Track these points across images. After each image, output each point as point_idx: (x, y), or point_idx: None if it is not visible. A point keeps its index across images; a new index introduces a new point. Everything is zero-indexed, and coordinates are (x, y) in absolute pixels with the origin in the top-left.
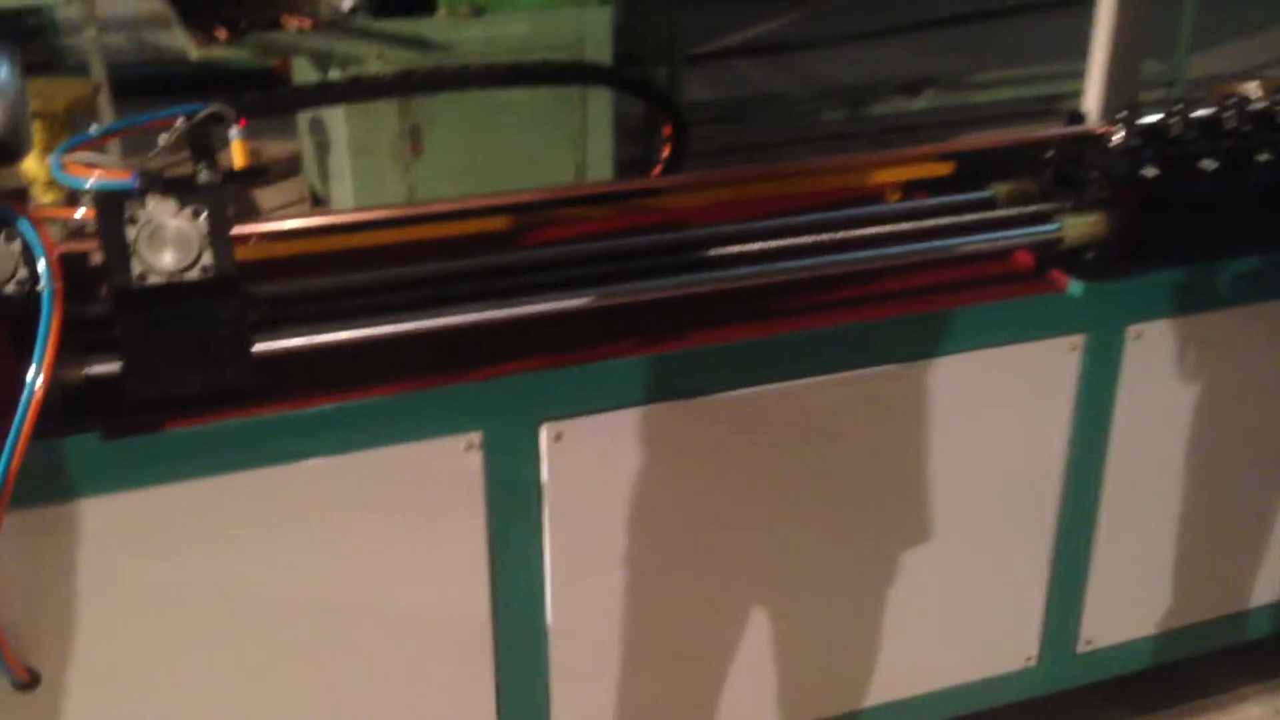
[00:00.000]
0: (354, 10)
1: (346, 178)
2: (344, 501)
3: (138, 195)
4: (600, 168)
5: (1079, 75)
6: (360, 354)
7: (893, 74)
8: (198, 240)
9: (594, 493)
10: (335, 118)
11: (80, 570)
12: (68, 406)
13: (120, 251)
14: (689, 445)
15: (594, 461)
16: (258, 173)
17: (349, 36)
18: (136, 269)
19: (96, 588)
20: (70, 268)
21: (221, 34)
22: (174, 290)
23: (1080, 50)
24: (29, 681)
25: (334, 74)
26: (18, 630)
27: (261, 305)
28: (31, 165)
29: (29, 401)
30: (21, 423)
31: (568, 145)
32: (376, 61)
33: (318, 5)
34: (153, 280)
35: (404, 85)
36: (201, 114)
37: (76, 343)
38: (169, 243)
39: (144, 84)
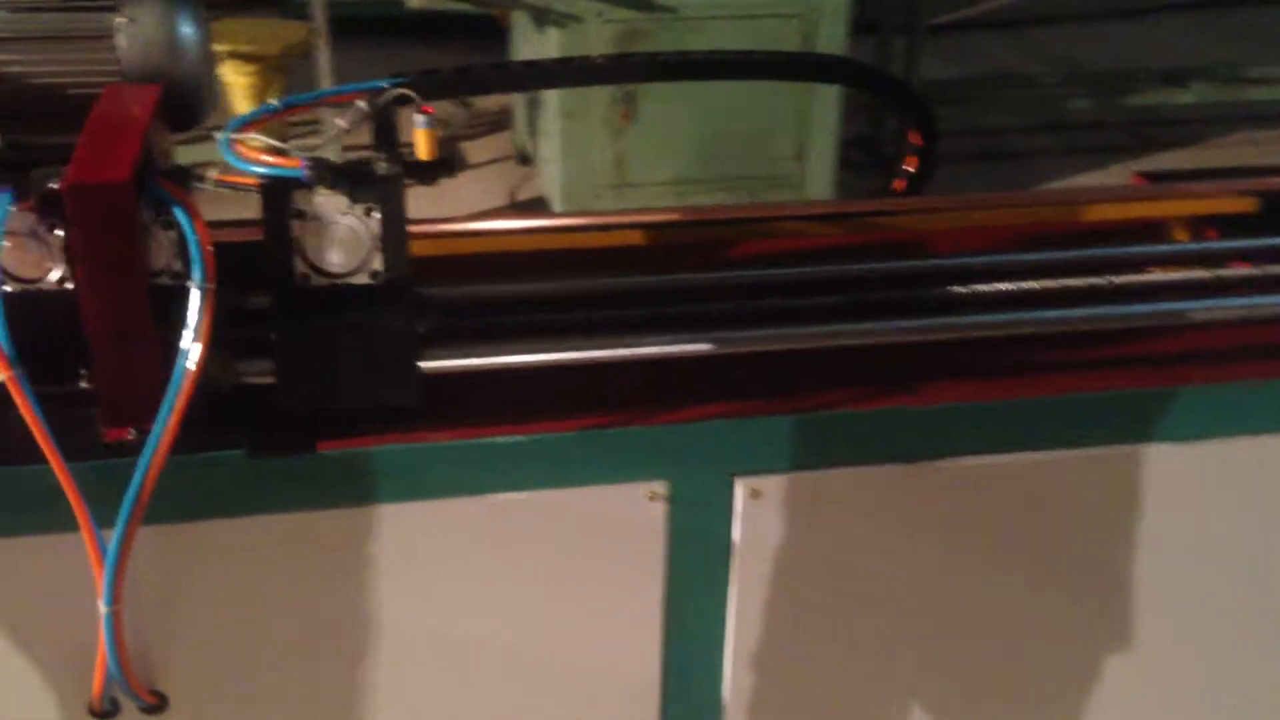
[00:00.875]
0: None
1: (554, 140)
2: (504, 543)
3: (307, 186)
4: (823, 146)
5: None
6: (525, 375)
7: (1154, 59)
8: (368, 241)
9: (791, 559)
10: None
11: (215, 592)
12: (216, 413)
13: (282, 248)
14: (905, 515)
15: (794, 524)
16: (444, 165)
17: None
18: (299, 268)
19: (231, 611)
20: (239, 256)
21: None
22: (338, 294)
23: None
24: (155, 705)
25: (550, 31)
26: (146, 650)
27: (434, 316)
28: (240, 107)
29: (169, 412)
30: (159, 435)
31: (790, 119)
32: (595, 20)
33: None
34: (316, 282)
35: (615, 71)
36: (386, 94)
37: (230, 343)
38: (336, 242)
39: (364, 26)
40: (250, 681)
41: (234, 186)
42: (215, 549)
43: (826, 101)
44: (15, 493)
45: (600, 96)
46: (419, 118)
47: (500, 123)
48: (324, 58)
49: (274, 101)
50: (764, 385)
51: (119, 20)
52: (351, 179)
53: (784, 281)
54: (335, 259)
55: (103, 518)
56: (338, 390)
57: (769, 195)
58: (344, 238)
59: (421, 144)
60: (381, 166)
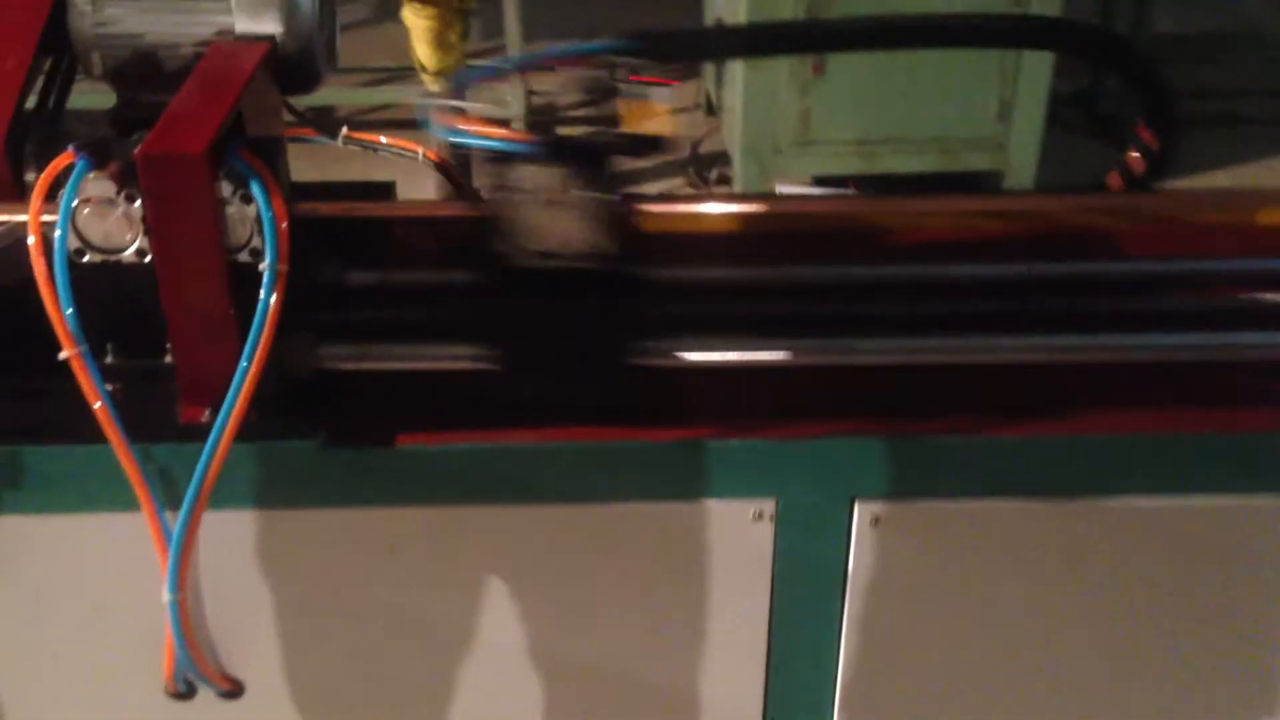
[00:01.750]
0: None
1: (738, 91)
2: (593, 555)
3: (530, 161)
4: (1030, 104)
5: None
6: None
7: None
8: (589, 222)
9: (912, 593)
10: (735, 19)
11: (291, 581)
12: (294, 400)
13: (498, 226)
14: (1046, 556)
15: (918, 556)
16: (662, 142)
17: None
18: (503, 248)
19: (308, 601)
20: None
21: None
22: (555, 277)
23: None
24: (231, 691)
25: None
26: (220, 635)
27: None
28: (421, 50)
29: (234, 398)
30: (224, 421)
31: (994, 76)
32: None
33: None
34: (529, 263)
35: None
36: (615, 56)
37: (310, 325)
38: (558, 222)
39: None
40: (323, 673)
41: (363, 144)
42: (292, 538)
43: (1036, 54)
44: (99, 468)
45: None
46: (653, 91)
47: (694, 69)
48: (511, 3)
49: (492, 62)
50: (894, 400)
51: None
52: (573, 153)
53: (928, 281)
54: (555, 240)
55: (177, 499)
56: (546, 379)
57: (967, 159)
58: (565, 218)
59: (646, 116)
60: (607, 142)
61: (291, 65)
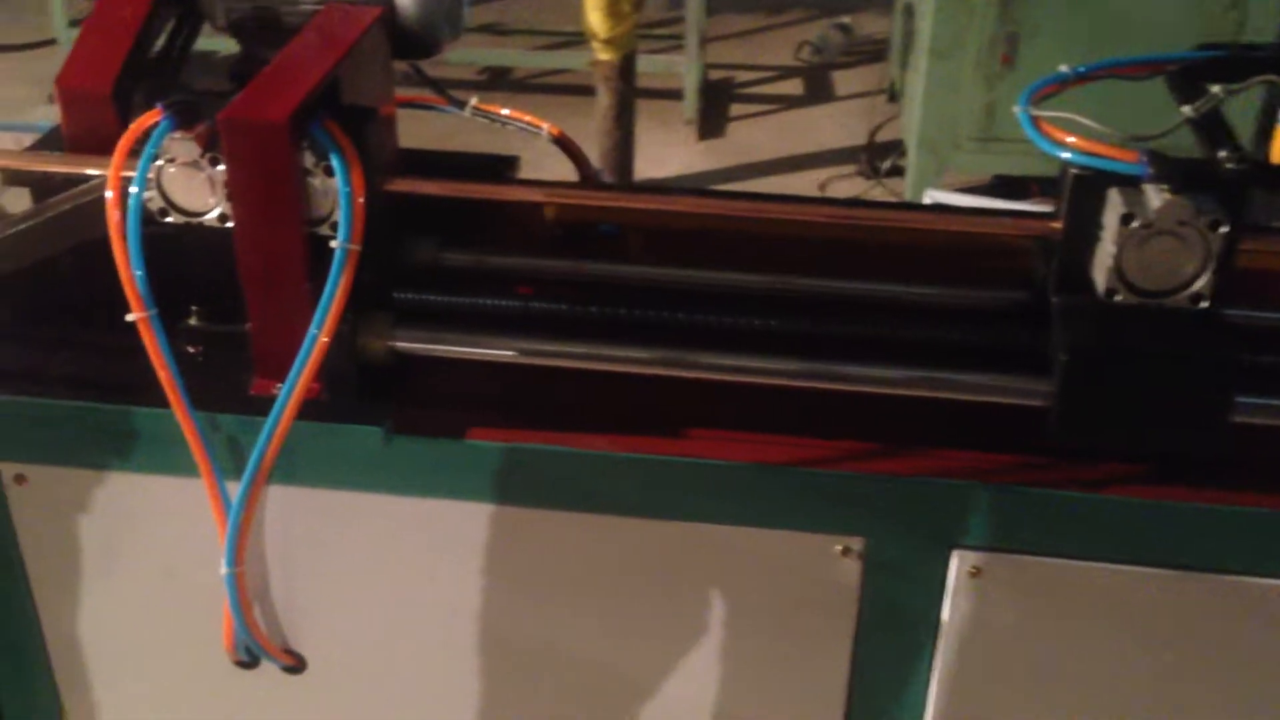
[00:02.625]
0: None
1: (920, 79)
2: (665, 575)
3: (1135, 184)
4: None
5: None
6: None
7: None
8: (1199, 257)
9: (1010, 652)
10: (924, 4)
11: (353, 562)
12: (365, 382)
13: (1084, 253)
14: (1159, 629)
15: (1020, 614)
16: None
17: None
18: (1105, 280)
19: (369, 585)
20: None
21: None
22: (1149, 317)
23: None
24: (292, 665)
25: None
26: (281, 609)
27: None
28: (594, 17)
29: (296, 376)
30: (285, 400)
31: None
32: None
33: None
34: (1123, 298)
35: None
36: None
37: (391, 304)
38: (1165, 256)
39: None
40: (380, 657)
41: (490, 116)
42: (356, 520)
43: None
44: (173, 431)
45: (977, 34)
46: None
47: (880, 53)
48: None
49: (1065, 69)
50: (1006, 444)
51: None
52: (1197, 181)
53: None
54: (1160, 275)
55: (236, 470)
56: (1133, 429)
57: None
58: (1174, 252)
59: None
60: (1229, 166)
61: (409, 31)
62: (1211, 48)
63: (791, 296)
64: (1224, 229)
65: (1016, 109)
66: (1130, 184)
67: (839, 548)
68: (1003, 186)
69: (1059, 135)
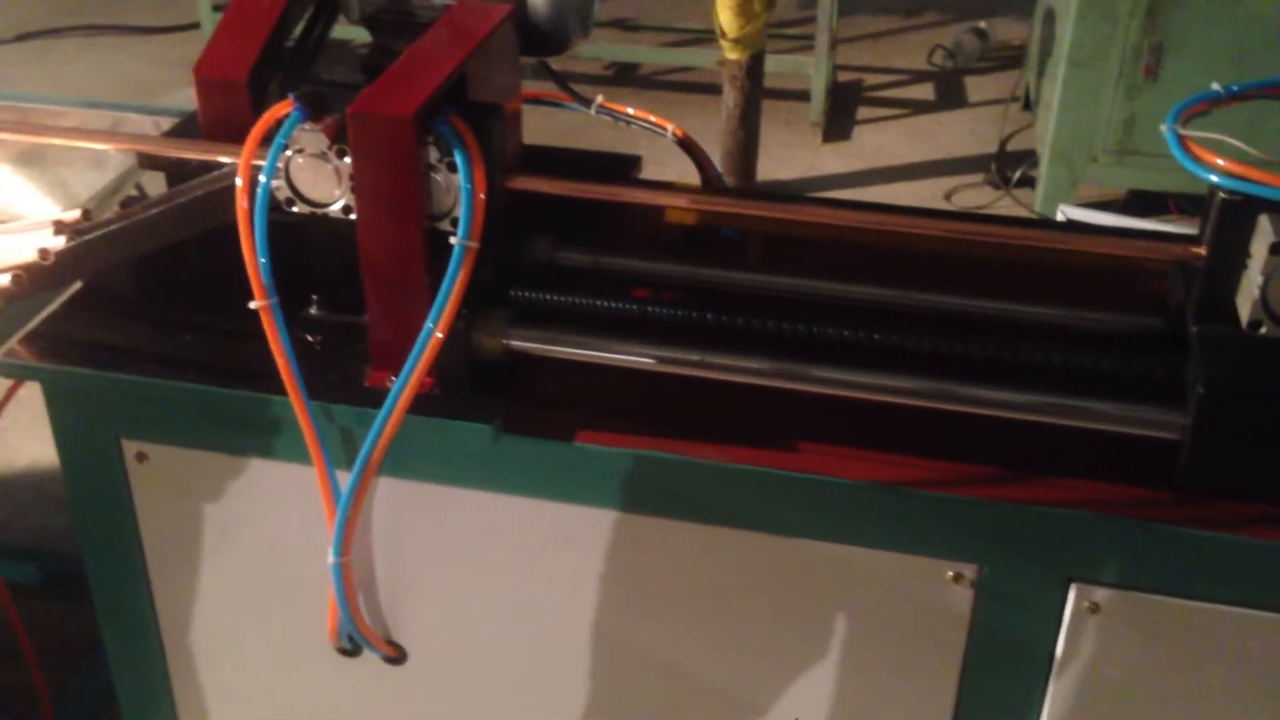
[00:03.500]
0: None
1: (1057, 87)
2: (769, 588)
3: None
4: None
5: None
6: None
7: None
8: None
9: (1129, 694)
10: (1066, 11)
11: (458, 557)
12: (480, 378)
13: (1228, 282)
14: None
15: (1141, 655)
16: None
17: None
18: (1249, 314)
19: (474, 581)
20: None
21: None
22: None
23: None
24: (394, 657)
25: None
26: (385, 600)
27: None
28: (724, 16)
29: (409, 371)
30: (397, 394)
31: None
32: None
33: None
34: (1265, 332)
35: None
36: None
37: (507, 301)
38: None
39: None
40: (480, 653)
41: (615, 115)
42: (464, 517)
43: None
44: (289, 418)
45: (1120, 44)
46: None
47: (1016, 60)
48: None
49: (1217, 86)
50: (1132, 475)
51: None
52: None
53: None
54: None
55: (348, 460)
56: (1270, 469)
57: None
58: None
59: None
60: None
61: (539, 28)
62: None
63: (915, 311)
64: None
65: (1164, 127)
66: None
67: (951, 573)
68: (1139, 202)
69: (1208, 156)
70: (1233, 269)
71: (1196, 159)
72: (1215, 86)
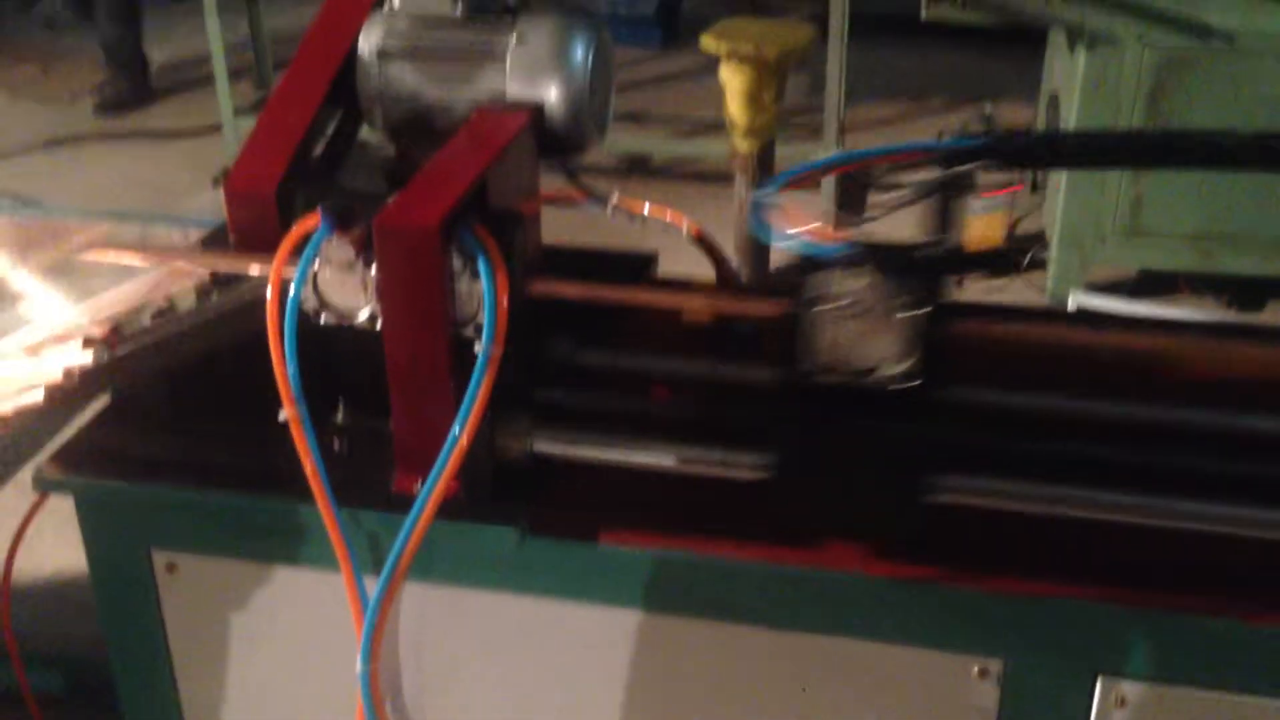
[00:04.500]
0: None
1: (1062, 186)
2: (789, 685)
3: (843, 266)
4: None
5: None
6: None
7: None
8: (901, 339)
9: None
10: (1070, 95)
11: (483, 662)
12: (503, 482)
13: (797, 334)
14: None
15: None
16: (1000, 258)
17: (1105, 8)
18: (811, 360)
19: (503, 684)
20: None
21: None
22: (853, 395)
23: None
24: None
25: (1080, 53)
26: (411, 704)
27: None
28: (734, 107)
29: (436, 476)
30: (425, 499)
31: None
32: (1134, 44)
33: None
34: (828, 378)
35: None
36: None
37: (529, 404)
38: (867, 336)
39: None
40: None
41: (630, 213)
42: (491, 620)
43: None
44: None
45: (1124, 126)
46: (980, 204)
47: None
48: (834, 64)
49: (814, 160)
50: (1162, 567)
51: (511, 40)
52: (899, 265)
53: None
54: (860, 355)
55: (375, 565)
56: (832, 502)
57: None
58: (876, 332)
59: (982, 230)
60: (933, 252)
61: (558, 132)
62: (977, 136)
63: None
64: (920, 310)
65: (752, 195)
66: (846, 267)
67: (976, 669)
68: (1150, 282)
69: (788, 221)
70: None
71: (769, 223)
72: (815, 159)
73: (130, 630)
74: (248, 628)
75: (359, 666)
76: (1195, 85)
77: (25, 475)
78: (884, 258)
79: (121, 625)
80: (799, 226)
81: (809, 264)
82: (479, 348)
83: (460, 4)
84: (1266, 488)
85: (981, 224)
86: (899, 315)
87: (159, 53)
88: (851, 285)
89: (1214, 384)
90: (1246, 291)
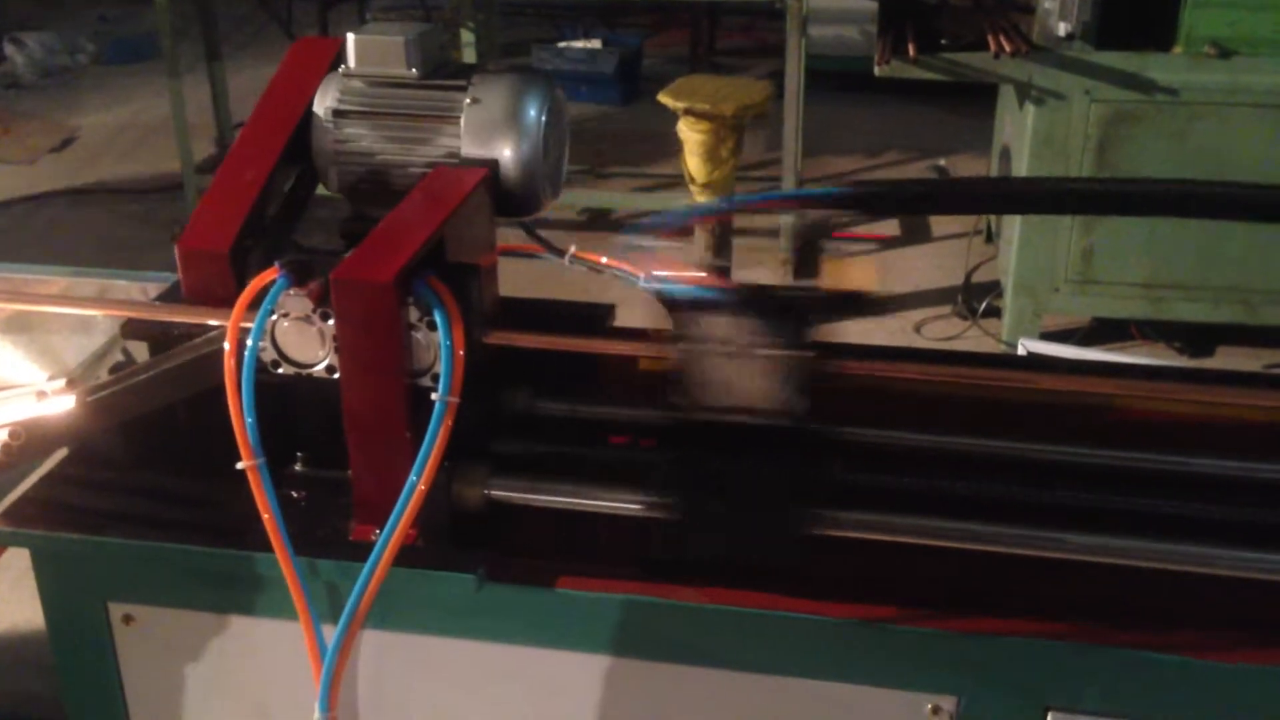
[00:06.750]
0: (1070, 37)
1: (1016, 221)
2: None
3: (713, 309)
4: None
5: None
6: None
7: None
8: (773, 379)
9: None
10: (1020, 148)
11: (444, 710)
12: (460, 529)
13: (681, 375)
14: None
15: None
16: (864, 303)
17: (1052, 66)
18: (684, 399)
19: None
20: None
21: (911, 51)
22: (731, 433)
23: None
24: None
25: (1029, 108)
26: None
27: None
28: (692, 162)
29: (394, 524)
30: (382, 546)
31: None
32: (1081, 99)
33: (1031, 29)
34: (706, 416)
35: (1097, 199)
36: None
37: (486, 453)
38: (737, 377)
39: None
40: None
41: (590, 265)
42: (446, 665)
43: None
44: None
45: (1077, 174)
46: (848, 247)
47: None
48: (791, 119)
49: (714, 201)
50: (1106, 603)
51: (465, 100)
52: (769, 308)
53: (1170, 474)
54: (732, 394)
55: (333, 614)
56: (715, 534)
57: (1268, 313)
58: (745, 373)
59: (849, 274)
60: (803, 295)
61: (512, 190)
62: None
63: (902, 448)
64: (789, 350)
65: (622, 237)
66: (718, 310)
67: (930, 706)
68: (1102, 329)
69: (664, 266)
70: None
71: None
72: (707, 203)
73: (87, 682)
74: (206, 678)
75: (317, 715)
76: (1141, 138)
77: None
78: (753, 300)
79: (79, 678)
80: (671, 270)
81: (677, 305)
82: (435, 396)
83: (415, 65)
84: (1210, 526)
85: (855, 268)
86: (777, 356)
87: (123, 110)
88: (725, 327)
89: (1114, 425)
90: (1197, 337)
